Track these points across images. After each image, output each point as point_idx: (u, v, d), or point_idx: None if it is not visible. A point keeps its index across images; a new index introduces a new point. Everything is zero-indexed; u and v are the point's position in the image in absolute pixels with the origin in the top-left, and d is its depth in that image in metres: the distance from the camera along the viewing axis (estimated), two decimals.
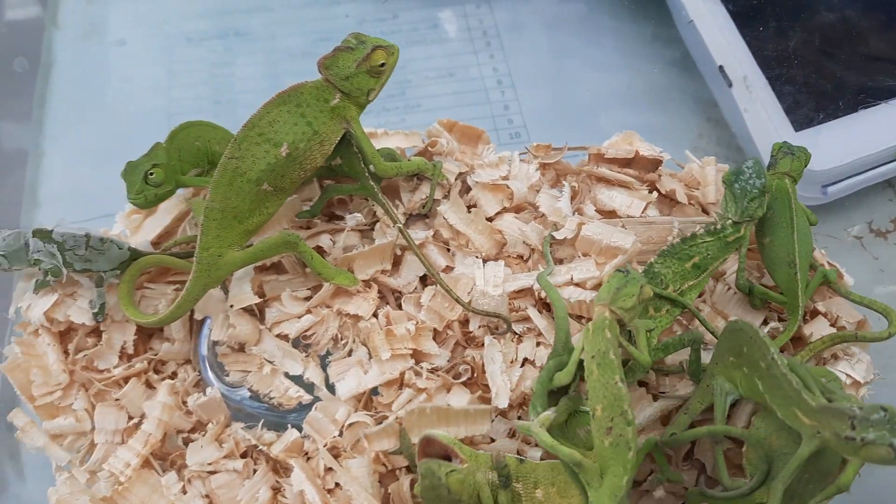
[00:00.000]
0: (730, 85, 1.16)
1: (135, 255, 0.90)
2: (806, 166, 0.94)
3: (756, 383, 0.73)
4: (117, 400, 0.90)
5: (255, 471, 0.85)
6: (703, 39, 1.18)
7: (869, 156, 1.09)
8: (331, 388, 0.88)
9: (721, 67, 1.17)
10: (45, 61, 1.34)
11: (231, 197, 0.83)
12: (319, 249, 0.93)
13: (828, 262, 0.97)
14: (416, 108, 1.33)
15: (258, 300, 0.89)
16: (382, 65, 0.87)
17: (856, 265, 1.13)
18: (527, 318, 0.90)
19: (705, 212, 1.02)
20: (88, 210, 1.16)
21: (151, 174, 0.88)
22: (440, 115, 1.31)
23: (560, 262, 0.94)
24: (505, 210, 0.98)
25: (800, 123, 1.11)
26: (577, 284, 0.90)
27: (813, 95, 1.12)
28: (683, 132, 1.27)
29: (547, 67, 1.35)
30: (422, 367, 0.87)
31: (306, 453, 0.86)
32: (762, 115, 1.12)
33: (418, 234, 0.95)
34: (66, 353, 0.92)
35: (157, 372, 0.93)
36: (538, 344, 0.89)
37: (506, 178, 1.00)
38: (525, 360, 0.88)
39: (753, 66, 1.14)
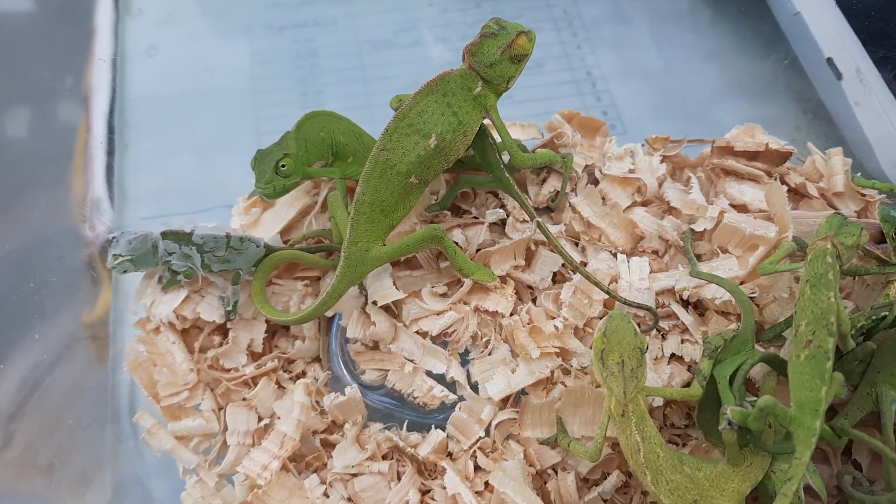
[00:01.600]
0: (839, 77, 1.14)
1: (269, 250, 0.87)
2: None
3: None
4: (245, 400, 0.87)
5: (398, 473, 0.82)
6: (811, 31, 1.16)
7: None
8: (473, 386, 0.85)
9: (830, 59, 1.15)
10: (120, 50, 1.30)
11: (381, 190, 0.80)
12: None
13: None
14: (506, 99, 1.27)
15: (403, 296, 0.85)
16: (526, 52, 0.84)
17: None
18: (671, 315, 0.87)
19: (831, 205, 1.00)
20: (180, 205, 1.13)
21: (283, 165, 0.85)
22: (531, 106, 1.29)
23: (698, 258, 0.92)
24: (635, 204, 0.95)
25: None
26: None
27: None
28: (780, 125, 1.24)
29: (637, 59, 1.32)
30: (571, 365, 0.84)
31: (450, 454, 0.83)
32: (877, 109, 1.10)
33: (549, 228, 0.92)
34: (190, 351, 0.88)
35: (285, 371, 0.89)
36: (683, 341, 0.87)
37: (632, 171, 0.97)
38: (672, 355, 0.86)
39: (866, 58, 1.12)
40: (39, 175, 1.02)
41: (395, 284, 0.88)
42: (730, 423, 0.73)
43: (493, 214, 0.90)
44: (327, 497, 0.82)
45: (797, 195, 1.00)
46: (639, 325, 0.88)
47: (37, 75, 1.19)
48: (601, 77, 1.30)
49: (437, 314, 0.86)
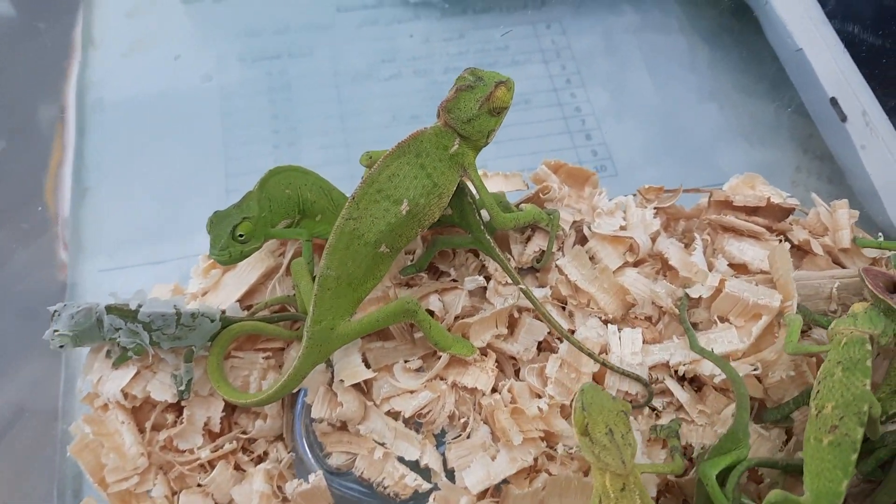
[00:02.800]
0: (843, 119, 1.07)
1: (226, 322, 0.79)
2: None
3: None
4: (201, 486, 0.79)
5: None
6: (814, 70, 1.09)
7: None
8: (449, 473, 0.77)
9: (833, 99, 1.08)
10: (80, 82, 1.22)
11: (348, 262, 0.72)
12: (430, 314, 0.82)
13: None
14: None
15: (372, 375, 0.78)
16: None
17: None
18: (665, 391, 0.80)
19: (837, 262, 0.93)
20: (141, 255, 1.06)
21: (240, 234, 0.77)
22: (516, 145, 1.22)
23: (694, 326, 0.85)
24: (627, 265, 0.88)
25: None
26: None
27: None
28: (780, 166, 1.18)
29: (631, 97, 1.25)
30: (556, 451, 0.77)
31: None
32: (884, 154, 1.03)
33: (533, 291, 0.85)
34: (141, 431, 0.81)
35: (244, 451, 0.82)
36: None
37: (623, 227, 0.90)
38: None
39: (873, 100, 1.05)
40: None
41: (365, 357, 0.81)
42: None
43: (472, 282, 0.83)
44: None
45: (800, 251, 0.93)
46: (630, 402, 0.81)
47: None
48: (591, 114, 1.23)
49: (411, 393, 0.79)
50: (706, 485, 0.70)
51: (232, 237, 0.77)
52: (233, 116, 1.19)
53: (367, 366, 0.80)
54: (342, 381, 0.78)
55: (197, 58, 1.24)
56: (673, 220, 0.97)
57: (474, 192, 0.83)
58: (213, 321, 0.77)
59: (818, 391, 0.68)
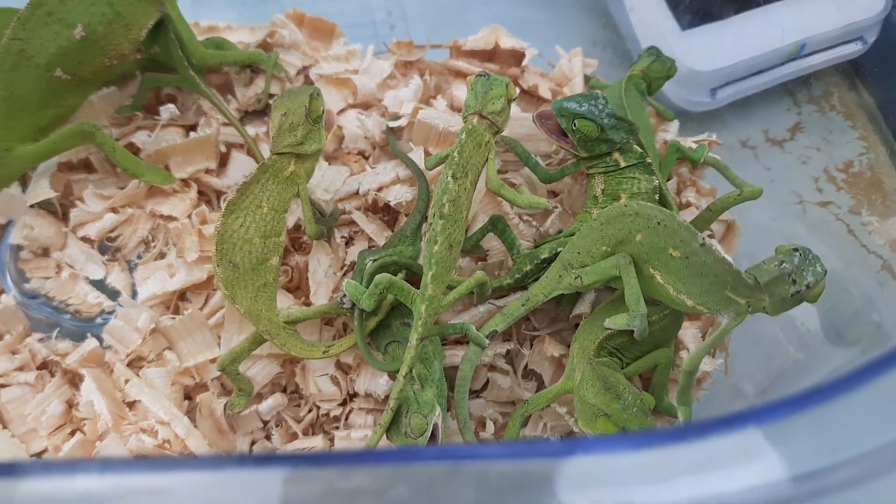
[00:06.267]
0: None
1: None
2: (667, 76, 0.89)
3: (649, 274, 0.67)
4: None
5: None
6: None
7: (759, 56, 1.01)
8: (136, 294, 0.80)
9: None
10: None
11: (16, 84, 0.74)
12: (132, 146, 0.84)
13: (694, 142, 0.89)
14: None
15: (55, 194, 0.80)
16: None
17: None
18: (352, 223, 0.82)
19: None
20: None
21: None
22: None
23: None
24: (350, 106, 0.90)
25: (686, 22, 1.02)
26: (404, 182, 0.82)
27: None
28: (577, 39, 1.18)
29: None
30: None
31: (108, 364, 0.79)
32: (647, 14, 1.03)
33: (250, 130, 0.87)
34: None
35: None
36: (370, 247, 0.81)
37: (355, 72, 0.91)
38: (353, 264, 0.80)
39: None
40: None
41: (69, 187, 0.83)
42: (343, 298, 0.69)
43: (166, 111, 0.84)
44: None
45: (536, 98, 0.94)
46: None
47: None
48: None
49: (99, 218, 0.81)
50: (356, 266, 0.74)
51: None
52: None
53: (71, 195, 0.83)
54: (27, 202, 0.80)
55: None
56: (425, 75, 0.97)
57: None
58: None
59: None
